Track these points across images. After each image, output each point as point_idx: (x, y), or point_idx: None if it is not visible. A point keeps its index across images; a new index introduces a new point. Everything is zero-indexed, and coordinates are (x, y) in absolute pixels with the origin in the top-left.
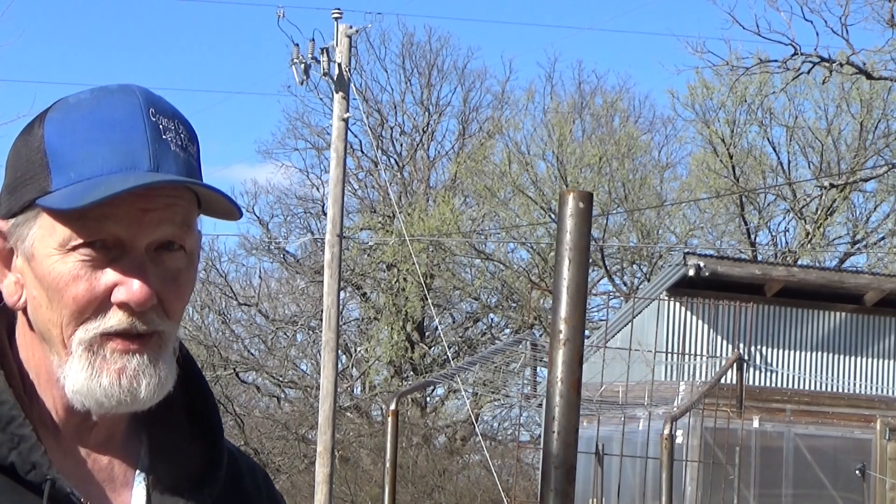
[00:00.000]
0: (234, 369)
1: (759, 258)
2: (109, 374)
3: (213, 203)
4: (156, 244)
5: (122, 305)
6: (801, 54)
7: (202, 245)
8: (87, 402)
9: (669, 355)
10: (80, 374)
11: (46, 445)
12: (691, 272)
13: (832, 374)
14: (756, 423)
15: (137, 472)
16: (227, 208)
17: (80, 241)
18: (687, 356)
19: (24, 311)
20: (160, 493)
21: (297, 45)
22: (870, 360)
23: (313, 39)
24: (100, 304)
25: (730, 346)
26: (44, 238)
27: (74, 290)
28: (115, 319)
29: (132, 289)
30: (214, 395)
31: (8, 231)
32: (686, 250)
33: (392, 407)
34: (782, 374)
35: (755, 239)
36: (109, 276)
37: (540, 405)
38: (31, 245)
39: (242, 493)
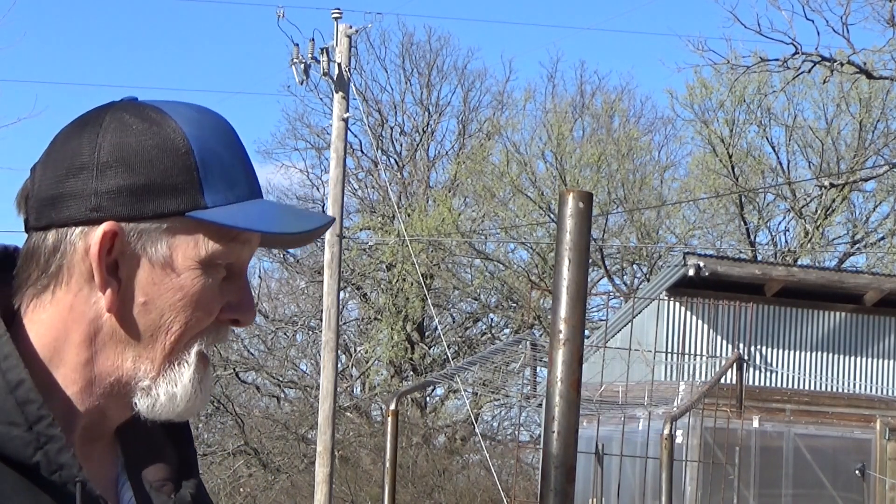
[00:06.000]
0: (234, 369)
1: (759, 258)
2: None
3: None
4: None
5: (235, 322)
6: (802, 53)
7: None
8: (171, 411)
9: (669, 355)
10: (188, 385)
11: None
12: (691, 272)
13: (832, 374)
14: (756, 423)
15: (120, 471)
16: (293, 240)
17: (222, 260)
18: (687, 356)
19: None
20: (145, 492)
21: (297, 45)
22: (870, 360)
23: (313, 39)
24: (215, 320)
25: (730, 346)
26: (187, 249)
27: (208, 306)
28: (224, 334)
29: (249, 309)
30: (213, 394)
31: (128, 232)
32: (686, 250)
33: (392, 407)
34: (782, 374)
35: (755, 239)
36: (232, 295)
37: (540, 405)
38: (170, 253)
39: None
